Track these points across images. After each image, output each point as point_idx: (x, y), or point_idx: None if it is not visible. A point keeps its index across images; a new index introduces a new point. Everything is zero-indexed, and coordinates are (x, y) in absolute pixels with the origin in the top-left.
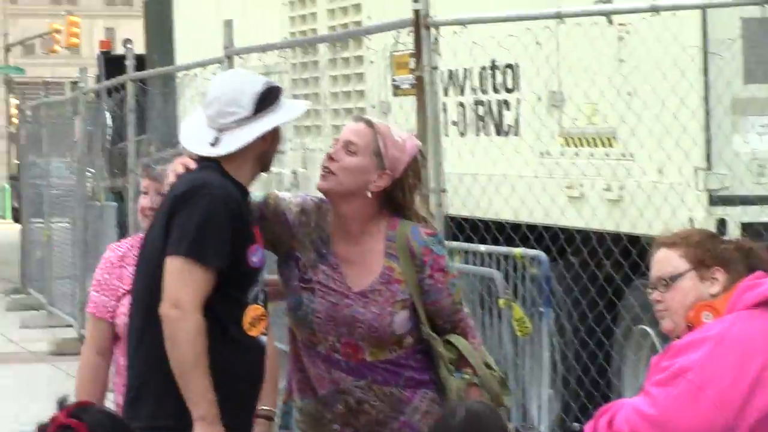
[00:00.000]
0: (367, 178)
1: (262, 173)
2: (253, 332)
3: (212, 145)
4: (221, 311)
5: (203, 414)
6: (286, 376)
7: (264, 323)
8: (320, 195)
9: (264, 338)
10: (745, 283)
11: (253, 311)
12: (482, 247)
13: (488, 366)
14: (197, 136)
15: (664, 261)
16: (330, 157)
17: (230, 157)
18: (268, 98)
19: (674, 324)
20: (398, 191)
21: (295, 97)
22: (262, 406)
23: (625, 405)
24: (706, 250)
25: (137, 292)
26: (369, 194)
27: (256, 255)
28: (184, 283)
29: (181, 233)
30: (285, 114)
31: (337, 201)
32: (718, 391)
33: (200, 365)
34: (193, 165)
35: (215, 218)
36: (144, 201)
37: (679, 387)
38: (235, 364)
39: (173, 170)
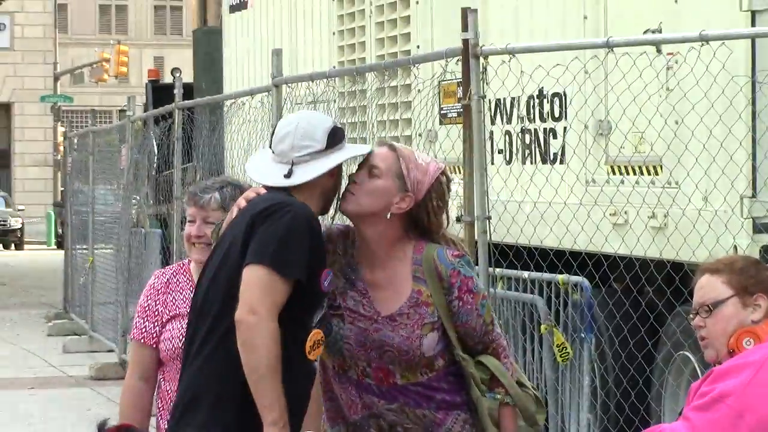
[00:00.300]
0: (389, 200)
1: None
2: (312, 356)
3: (286, 177)
4: (287, 332)
5: (276, 419)
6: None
7: (321, 348)
8: (347, 222)
9: (316, 364)
10: None
11: (315, 335)
12: (525, 274)
13: (521, 384)
14: (268, 170)
15: (707, 287)
16: (353, 180)
17: (299, 190)
18: (337, 135)
19: (716, 352)
20: (423, 214)
21: (342, 125)
22: (307, 430)
23: (664, 428)
24: (750, 277)
25: (201, 303)
26: (389, 216)
27: (328, 279)
28: (263, 292)
29: (263, 244)
30: (354, 150)
31: (360, 224)
32: (758, 417)
33: (276, 370)
34: (264, 192)
35: (298, 232)
36: (190, 229)
37: (719, 412)
38: (290, 386)
39: (245, 197)
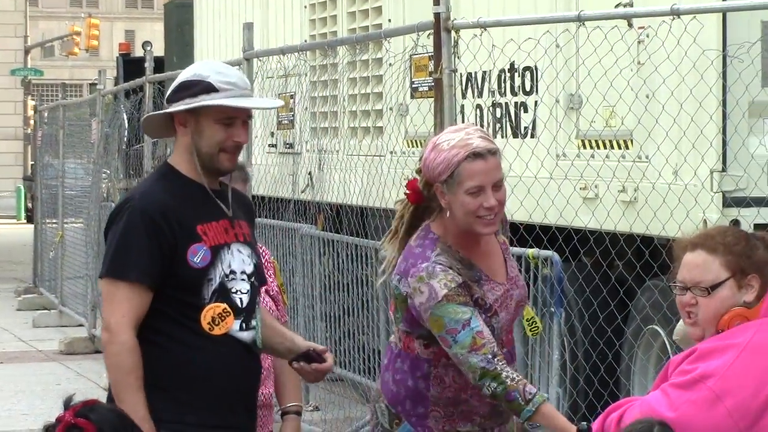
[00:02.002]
0: None
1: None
2: (216, 331)
3: None
4: (176, 315)
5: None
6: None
7: (230, 320)
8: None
9: (249, 333)
10: None
11: (211, 310)
12: None
13: None
14: None
15: (704, 267)
16: (496, 205)
17: (175, 148)
18: (189, 89)
19: (703, 331)
20: None
21: (313, 99)
22: (290, 403)
23: (641, 401)
24: (746, 258)
25: None
26: None
27: (198, 255)
28: (111, 306)
29: (105, 255)
30: (185, 104)
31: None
32: (736, 401)
33: (128, 384)
34: None
35: (133, 231)
36: None
37: (698, 393)
38: (202, 362)
39: None
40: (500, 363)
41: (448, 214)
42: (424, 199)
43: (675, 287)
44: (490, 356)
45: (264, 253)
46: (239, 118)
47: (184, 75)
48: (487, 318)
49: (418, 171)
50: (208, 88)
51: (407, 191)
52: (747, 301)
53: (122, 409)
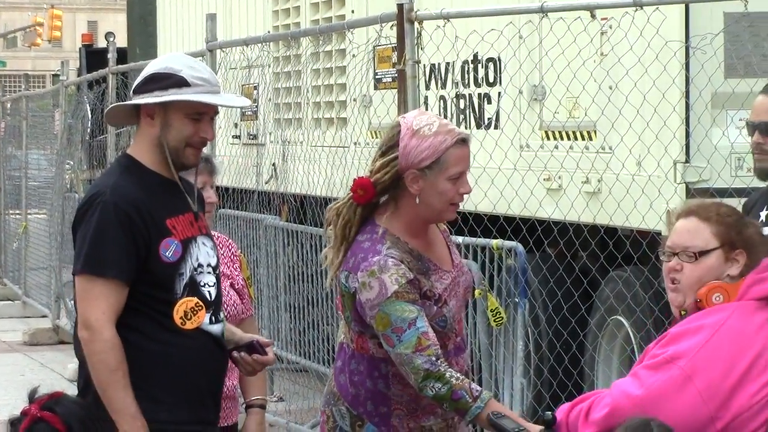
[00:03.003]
0: None
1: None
2: (188, 326)
3: None
4: (148, 311)
5: (126, 430)
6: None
7: (201, 314)
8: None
9: (218, 326)
10: (753, 276)
11: (183, 305)
12: (460, 239)
13: None
14: None
15: (694, 233)
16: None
17: (135, 140)
18: (156, 81)
19: (684, 298)
20: None
21: (277, 90)
22: (254, 396)
23: (613, 385)
24: (738, 232)
25: None
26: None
27: (170, 249)
28: (88, 302)
29: (78, 251)
30: (149, 98)
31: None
32: (707, 381)
33: (115, 381)
34: None
35: (107, 226)
36: None
37: (669, 373)
38: (176, 358)
39: None
40: (443, 365)
41: (417, 201)
42: (375, 196)
43: (663, 253)
44: (434, 358)
45: (231, 246)
46: (208, 114)
47: (154, 67)
48: (438, 309)
49: (389, 161)
50: (180, 83)
51: (357, 191)
52: (731, 275)
53: (111, 407)
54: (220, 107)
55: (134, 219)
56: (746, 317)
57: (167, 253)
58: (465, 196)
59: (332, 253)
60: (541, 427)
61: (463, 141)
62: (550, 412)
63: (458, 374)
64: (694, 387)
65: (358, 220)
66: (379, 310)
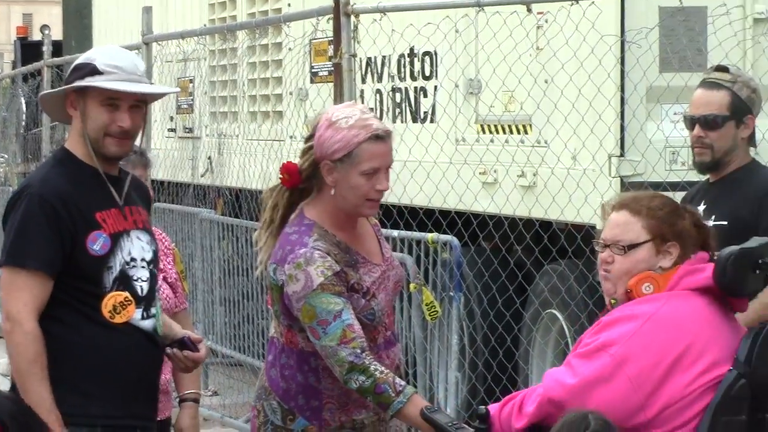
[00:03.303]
0: None
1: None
2: (118, 320)
3: None
4: (77, 304)
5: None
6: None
7: (131, 308)
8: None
9: (150, 321)
10: (686, 267)
11: (112, 299)
12: (395, 232)
13: None
14: None
15: (624, 226)
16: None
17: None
18: (79, 71)
19: (614, 287)
20: None
21: (213, 84)
22: (188, 390)
23: (545, 374)
24: (670, 225)
25: None
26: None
27: (97, 243)
28: (11, 294)
29: (4, 243)
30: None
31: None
32: (638, 369)
33: (32, 373)
34: None
35: (32, 217)
36: None
37: (600, 360)
38: (106, 352)
39: None
40: (368, 357)
41: (333, 192)
42: (301, 182)
43: (597, 244)
44: (359, 351)
45: (164, 240)
46: (124, 102)
47: (79, 59)
48: (366, 302)
49: (308, 149)
50: (93, 71)
51: (283, 175)
52: (663, 266)
53: (27, 399)
54: (152, 97)
55: (60, 211)
56: (678, 307)
57: (95, 247)
58: (387, 193)
59: (262, 238)
60: (476, 424)
61: (378, 137)
62: (483, 407)
63: (383, 368)
64: (624, 374)
65: (285, 204)
66: (305, 303)
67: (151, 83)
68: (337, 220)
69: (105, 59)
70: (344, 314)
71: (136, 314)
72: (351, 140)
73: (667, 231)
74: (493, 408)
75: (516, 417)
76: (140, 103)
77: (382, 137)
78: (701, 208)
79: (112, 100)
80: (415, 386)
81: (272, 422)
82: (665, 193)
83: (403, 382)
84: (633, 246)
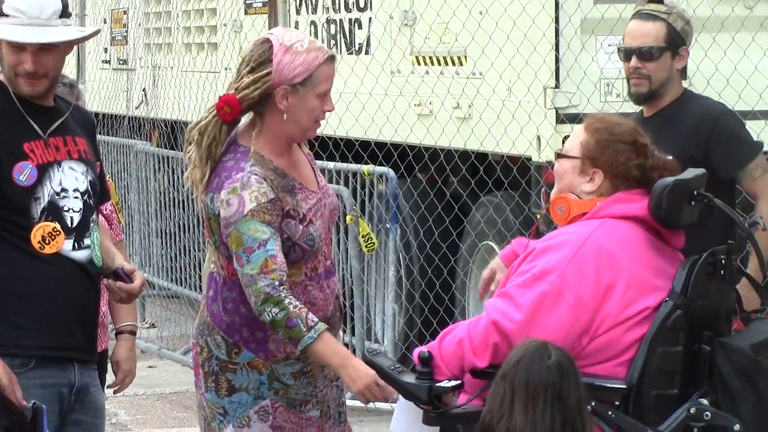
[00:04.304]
0: None
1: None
2: (47, 250)
3: None
4: (5, 235)
5: None
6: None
7: (60, 239)
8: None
9: (83, 252)
10: (620, 195)
11: (41, 229)
12: (331, 164)
13: None
14: None
15: (573, 137)
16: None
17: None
18: None
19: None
20: None
21: (147, 15)
22: (125, 322)
23: (488, 307)
24: (601, 152)
25: None
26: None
27: (24, 173)
28: None
29: None
30: None
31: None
32: (575, 296)
33: None
34: None
35: None
36: None
37: (540, 289)
38: (37, 283)
39: None
40: (285, 291)
41: (285, 117)
42: (241, 113)
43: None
44: (276, 283)
45: None
46: (29, 44)
47: None
48: (304, 227)
49: (261, 77)
50: (1, 13)
51: (224, 108)
52: (584, 190)
53: None
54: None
55: None
56: (611, 235)
57: (21, 177)
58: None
59: (198, 174)
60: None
61: (332, 58)
62: (426, 351)
63: (298, 302)
64: (566, 302)
65: (224, 138)
66: (233, 228)
67: (69, 25)
68: (276, 146)
69: (11, 1)
70: (269, 244)
71: (66, 245)
72: (311, 63)
73: (598, 156)
74: (432, 348)
75: (475, 357)
76: (49, 46)
77: (334, 58)
78: None
79: (16, 43)
80: (353, 318)
81: (217, 357)
82: None
83: (315, 318)
84: (564, 156)
